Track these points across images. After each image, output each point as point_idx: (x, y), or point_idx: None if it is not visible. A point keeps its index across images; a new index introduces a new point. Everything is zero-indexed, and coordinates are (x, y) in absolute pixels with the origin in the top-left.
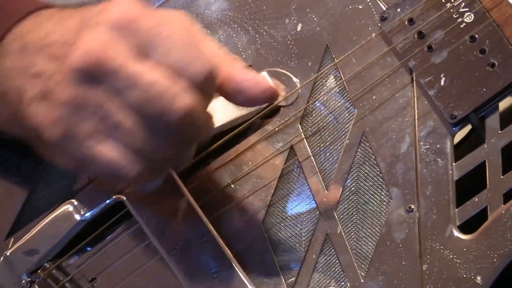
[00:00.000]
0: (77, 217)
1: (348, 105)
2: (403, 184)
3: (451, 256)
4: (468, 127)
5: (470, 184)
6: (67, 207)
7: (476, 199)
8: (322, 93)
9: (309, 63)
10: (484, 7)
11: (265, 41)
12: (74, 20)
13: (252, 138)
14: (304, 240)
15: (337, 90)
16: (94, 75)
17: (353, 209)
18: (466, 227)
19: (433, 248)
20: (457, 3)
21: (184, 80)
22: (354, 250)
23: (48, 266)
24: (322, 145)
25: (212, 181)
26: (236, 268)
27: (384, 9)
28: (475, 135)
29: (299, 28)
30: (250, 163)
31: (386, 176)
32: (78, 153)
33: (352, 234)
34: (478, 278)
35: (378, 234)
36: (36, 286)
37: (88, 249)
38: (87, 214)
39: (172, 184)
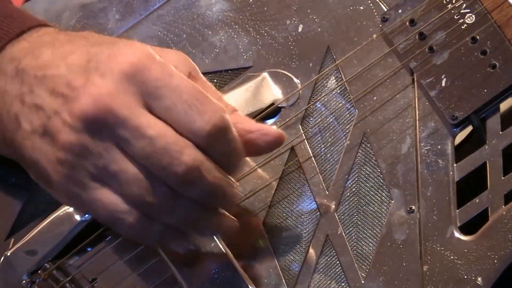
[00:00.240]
0: (78, 217)
1: (349, 106)
2: (404, 185)
3: (452, 257)
4: (469, 128)
5: (471, 185)
6: (68, 207)
7: (477, 200)
8: (323, 94)
9: (310, 64)
10: (485, 8)
11: (266, 42)
12: (78, 56)
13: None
14: (304, 240)
15: (338, 91)
16: (101, 123)
17: (353, 210)
18: (467, 228)
19: (434, 249)
20: (458, 4)
21: (189, 134)
22: (354, 251)
23: (48, 266)
24: (323, 146)
25: None
26: (237, 269)
27: (385, 10)
28: (476, 136)
29: (300, 29)
30: (251, 163)
31: (387, 177)
32: (76, 195)
33: (352, 235)
34: (479, 279)
35: (378, 235)
36: (36, 286)
37: (89, 249)
38: (88, 215)
39: None
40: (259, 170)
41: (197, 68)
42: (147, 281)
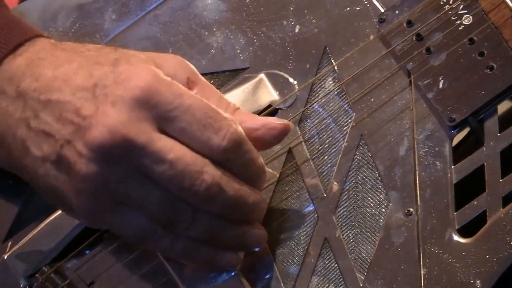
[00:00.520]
0: (75, 220)
1: (346, 107)
2: (402, 187)
3: (450, 260)
4: (466, 130)
5: (469, 187)
6: None
7: (475, 203)
8: (320, 96)
9: (307, 65)
10: (483, 9)
11: (263, 43)
12: (81, 78)
13: None
14: (302, 243)
15: (336, 93)
16: (120, 153)
17: (351, 212)
18: (465, 231)
19: (432, 252)
20: (455, 5)
21: (207, 152)
22: (352, 254)
23: (46, 270)
24: (320, 148)
25: None
26: (235, 272)
27: (382, 11)
28: (473, 138)
29: (297, 30)
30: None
31: (385, 179)
32: (100, 219)
33: (350, 237)
34: (478, 282)
35: (376, 238)
36: None
37: (87, 252)
38: None
39: None
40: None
41: (195, 70)
42: (145, 284)
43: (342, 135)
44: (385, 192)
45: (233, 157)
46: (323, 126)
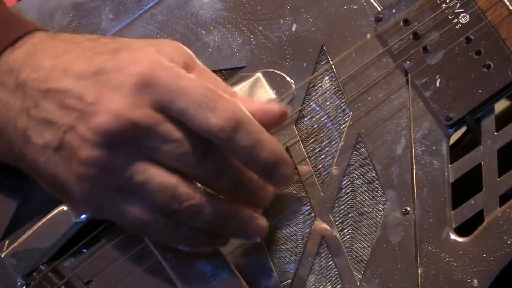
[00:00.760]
0: (73, 219)
1: (343, 106)
2: (399, 186)
3: (447, 259)
4: (463, 128)
5: (466, 186)
6: (63, 208)
7: (472, 202)
8: (317, 95)
9: (304, 64)
10: (480, 8)
11: (260, 42)
12: (80, 66)
13: None
14: (300, 242)
15: (332, 91)
16: (126, 137)
17: (348, 211)
18: (462, 230)
19: (429, 250)
20: (452, 3)
21: (206, 133)
22: (350, 253)
23: (43, 268)
24: (317, 147)
25: None
26: (231, 270)
27: (379, 9)
28: (470, 137)
29: (293, 29)
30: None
31: (382, 178)
32: (102, 208)
33: (348, 236)
34: (475, 281)
35: (374, 237)
36: None
37: (84, 251)
38: (82, 216)
39: None
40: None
41: (193, 55)
42: (143, 283)
43: (339, 134)
44: (382, 191)
45: (236, 138)
46: (320, 125)
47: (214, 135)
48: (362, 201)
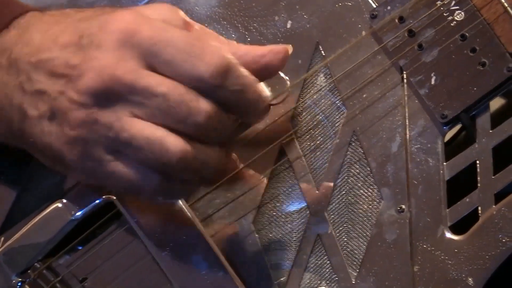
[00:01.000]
0: (68, 216)
1: (338, 103)
2: (394, 184)
3: (442, 257)
4: (458, 126)
5: (462, 184)
6: (58, 206)
7: (468, 200)
8: (312, 92)
9: (299, 61)
10: (475, 5)
11: (255, 38)
12: (68, 34)
13: (242, 137)
14: (295, 240)
15: (328, 89)
16: (109, 93)
17: (343, 209)
18: (457, 228)
19: (425, 249)
20: (447, 1)
21: (196, 82)
22: (345, 251)
23: (38, 266)
24: (312, 144)
25: None
26: (226, 269)
27: (374, 6)
28: (464, 134)
29: (288, 26)
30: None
31: (377, 176)
32: (95, 171)
33: (343, 234)
34: (470, 279)
35: (369, 235)
36: (26, 286)
37: (79, 248)
38: (78, 213)
39: None
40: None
41: (186, 18)
42: (138, 280)
43: (334, 131)
44: (377, 188)
45: (225, 85)
46: (315, 122)
47: (204, 82)
48: (357, 199)
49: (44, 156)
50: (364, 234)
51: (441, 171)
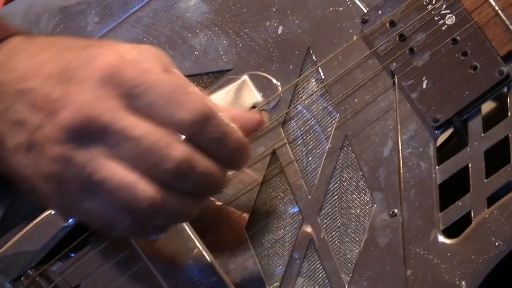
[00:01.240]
0: (60, 223)
1: (330, 108)
2: (386, 188)
3: (435, 261)
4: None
5: (454, 187)
6: (50, 213)
7: (460, 203)
8: (304, 97)
9: (291, 66)
10: (466, 9)
11: (246, 44)
12: (52, 65)
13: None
14: (287, 245)
15: (319, 94)
16: (85, 132)
17: (336, 214)
18: (450, 232)
19: (417, 253)
20: (438, 5)
21: (174, 128)
22: (337, 255)
23: (31, 273)
24: (304, 149)
25: None
26: (219, 274)
27: (365, 11)
28: (457, 138)
29: (280, 31)
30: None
31: (369, 181)
32: (69, 206)
33: (335, 239)
34: (463, 283)
35: (361, 239)
36: None
37: (72, 255)
38: (70, 220)
39: None
40: (246, 170)
41: (172, 62)
42: (130, 287)
43: (326, 136)
44: (369, 193)
45: (203, 132)
46: (307, 127)
47: (182, 128)
48: (350, 203)
49: (22, 187)
50: (357, 239)
51: (434, 175)
